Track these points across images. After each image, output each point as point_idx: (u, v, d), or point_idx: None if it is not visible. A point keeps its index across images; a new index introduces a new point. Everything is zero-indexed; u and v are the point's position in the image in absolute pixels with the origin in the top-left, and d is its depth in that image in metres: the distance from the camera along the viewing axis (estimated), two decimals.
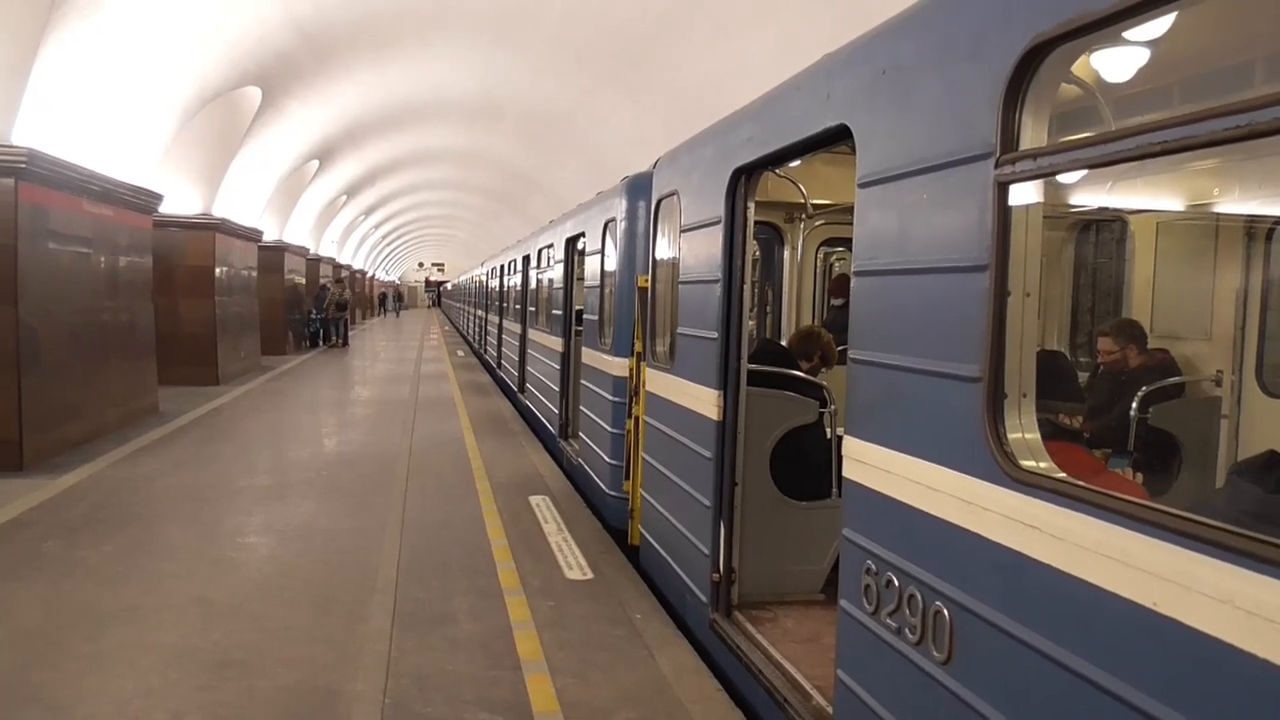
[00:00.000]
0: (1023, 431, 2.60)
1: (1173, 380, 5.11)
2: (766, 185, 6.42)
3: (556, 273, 11.88)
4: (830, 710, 3.72)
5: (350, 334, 32.44)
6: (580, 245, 10.44)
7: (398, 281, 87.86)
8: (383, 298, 50.94)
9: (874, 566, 3.24)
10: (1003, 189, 2.58)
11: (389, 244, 60.89)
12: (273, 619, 5.64)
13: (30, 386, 9.69)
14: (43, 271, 10.04)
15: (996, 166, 2.58)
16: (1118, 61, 3.49)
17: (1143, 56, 3.46)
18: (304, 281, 28.31)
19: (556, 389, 11.45)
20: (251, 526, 7.71)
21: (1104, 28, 2.30)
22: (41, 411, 9.98)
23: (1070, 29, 2.35)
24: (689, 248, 5.62)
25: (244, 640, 5.29)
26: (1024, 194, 2.62)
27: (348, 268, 41.42)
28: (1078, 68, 3.16)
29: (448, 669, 4.97)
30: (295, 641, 5.31)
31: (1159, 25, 2.84)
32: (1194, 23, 3.24)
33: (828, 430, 5.42)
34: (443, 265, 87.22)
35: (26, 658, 4.99)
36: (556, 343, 11.52)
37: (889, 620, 3.12)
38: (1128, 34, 2.78)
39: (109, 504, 8.32)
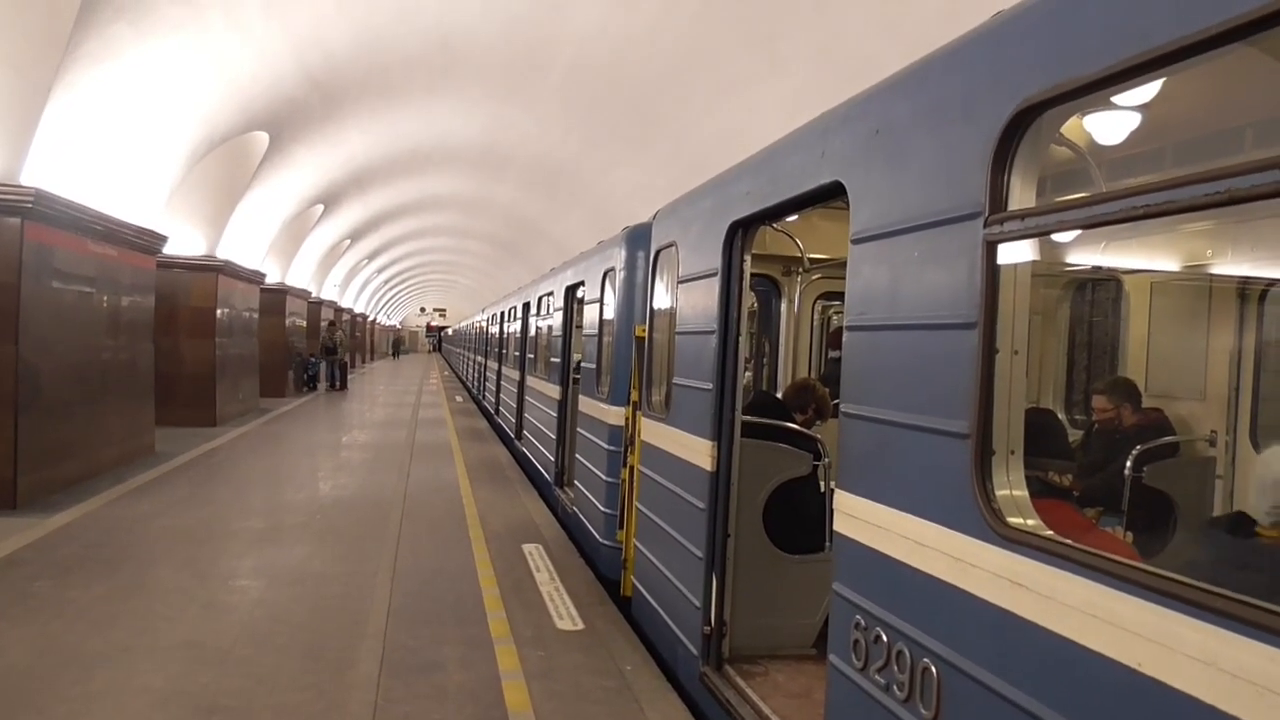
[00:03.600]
0: (1010, 489, 2.61)
1: (1167, 440, 5.11)
2: (764, 239, 6.48)
3: (555, 321, 11.94)
4: None
5: (349, 378, 32.43)
6: (580, 294, 10.51)
7: (398, 325, 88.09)
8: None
9: (863, 621, 3.23)
10: (991, 248, 2.62)
11: (391, 288, 61.20)
12: (262, 664, 5.59)
13: (27, 424, 9.69)
14: (45, 310, 10.10)
15: (985, 226, 2.62)
16: (1107, 125, 3.55)
17: (1132, 120, 3.52)
18: (305, 324, 28.41)
19: (553, 436, 11.44)
20: (244, 570, 7.67)
21: (1090, 93, 2.35)
22: (37, 449, 9.97)
23: (1057, 94, 2.40)
24: (686, 299, 5.66)
25: (232, 685, 5.24)
26: (1013, 253, 2.65)
27: (348, 311, 41.56)
28: (1068, 130, 3.22)
29: (435, 718, 4.92)
30: (283, 687, 5.26)
31: (1146, 91, 2.89)
32: (1183, 89, 3.29)
33: (821, 483, 5.42)
34: (444, 311, 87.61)
35: (13, 699, 4.94)
36: (554, 390, 11.53)
37: (877, 676, 3.10)
38: (1116, 99, 2.84)
39: (102, 544, 8.28)
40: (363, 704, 5.05)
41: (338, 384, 30.00)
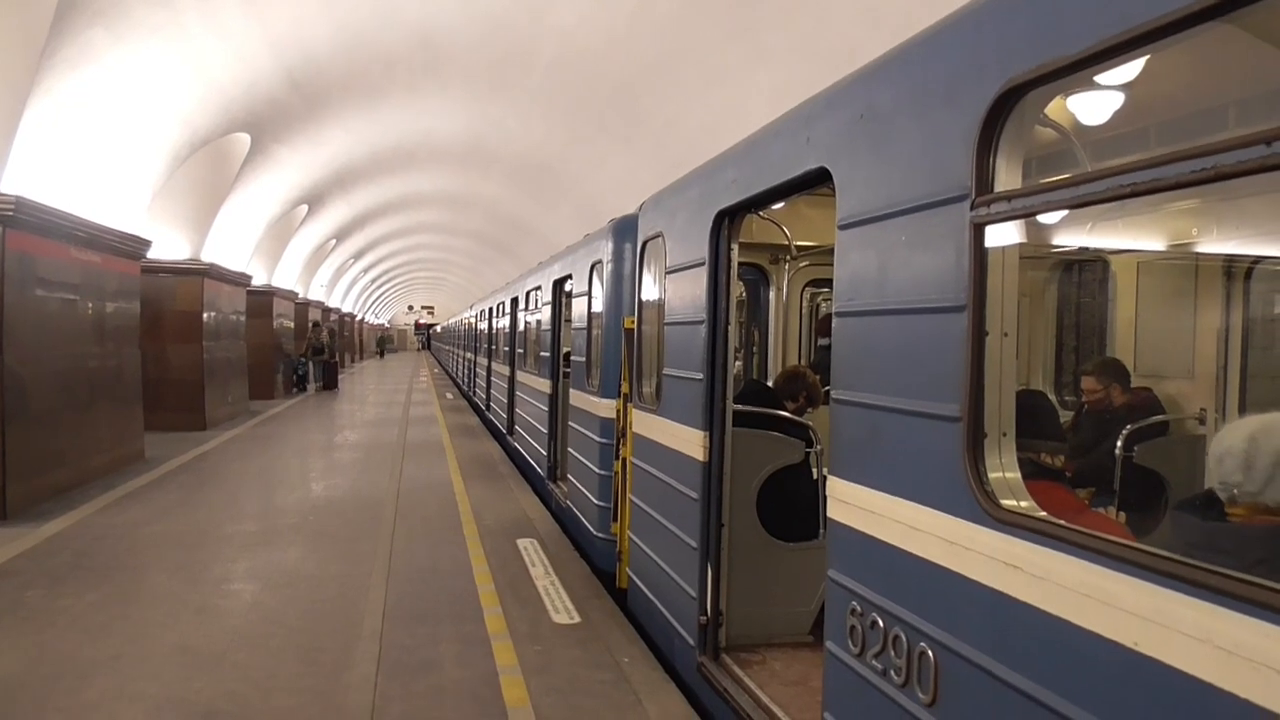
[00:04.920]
0: (1003, 471, 2.61)
1: (1157, 419, 5.12)
2: (751, 227, 6.46)
3: (544, 315, 11.92)
4: None
5: (339, 377, 32.33)
6: (568, 287, 10.48)
7: (387, 324, 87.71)
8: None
9: (859, 607, 3.22)
10: (979, 230, 2.61)
11: (379, 287, 61.01)
12: (257, 668, 5.57)
13: (15, 434, 9.62)
14: (30, 319, 10.02)
15: (972, 208, 2.62)
16: (1091, 105, 3.55)
17: (1116, 100, 3.52)
18: (293, 325, 28.30)
19: (544, 431, 11.43)
20: (237, 573, 7.64)
21: (1075, 72, 2.34)
22: (26, 459, 9.90)
23: (1041, 74, 2.39)
24: (674, 289, 5.65)
25: (228, 690, 5.22)
26: (1001, 235, 2.64)
27: (336, 310, 41.43)
28: (1052, 111, 3.22)
29: (433, 717, 4.91)
30: (279, 691, 5.24)
31: (1130, 70, 2.89)
32: (1166, 68, 3.29)
33: (814, 470, 5.42)
34: (433, 308, 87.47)
35: (6, 710, 4.91)
36: (544, 385, 11.52)
37: (874, 661, 3.10)
38: (1100, 78, 2.84)
39: (93, 552, 8.24)
40: (360, 705, 5.03)
41: (323, 383, 29.81)
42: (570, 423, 9.82)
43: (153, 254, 14.23)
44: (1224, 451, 2.58)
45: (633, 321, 6.90)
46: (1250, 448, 2.53)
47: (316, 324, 31.63)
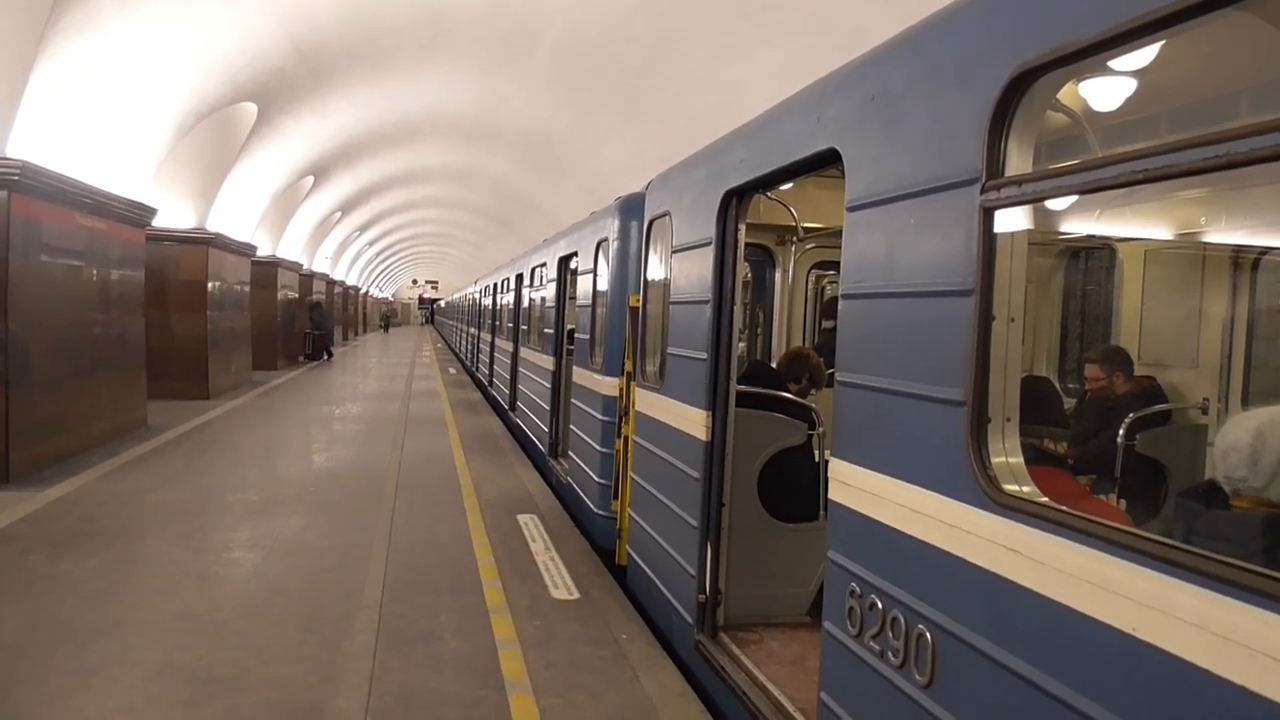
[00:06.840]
0: (1006, 456, 2.61)
1: (1159, 407, 5.12)
2: (758, 208, 6.46)
3: (549, 291, 11.91)
4: None
5: (336, 350, 32.24)
6: (573, 264, 10.48)
7: (390, 298, 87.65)
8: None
9: (858, 589, 3.24)
10: (988, 214, 2.60)
11: (383, 261, 60.94)
12: (257, 635, 5.61)
13: (18, 399, 9.65)
14: (34, 285, 10.02)
15: (982, 192, 2.61)
16: (1103, 90, 3.53)
17: (1129, 86, 3.51)
18: (297, 296, 28.22)
19: (547, 408, 11.45)
20: (238, 542, 7.68)
21: (1088, 57, 2.33)
22: (29, 424, 9.93)
23: (1054, 58, 2.38)
24: (680, 268, 5.64)
25: (228, 657, 5.26)
26: (1009, 220, 2.64)
27: (340, 284, 41.34)
28: (1064, 96, 3.20)
29: (432, 687, 4.95)
30: (279, 658, 5.28)
31: (1143, 55, 2.88)
32: (1180, 54, 3.27)
33: (815, 452, 5.43)
34: (436, 283, 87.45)
35: (7, 674, 4.95)
36: (548, 361, 11.52)
37: (872, 643, 3.12)
38: (1113, 63, 2.82)
39: (95, 518, 8.28)
40: (359, 674, 5.07)
41: (309, 353, 29.60)
42: (572, 400, 9.83)
43: (158, 222, 14.21)
44: (1229, 446, 2.59)
45: (638, 300, 6.90)
46: (1256, 443, 2.53)
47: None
